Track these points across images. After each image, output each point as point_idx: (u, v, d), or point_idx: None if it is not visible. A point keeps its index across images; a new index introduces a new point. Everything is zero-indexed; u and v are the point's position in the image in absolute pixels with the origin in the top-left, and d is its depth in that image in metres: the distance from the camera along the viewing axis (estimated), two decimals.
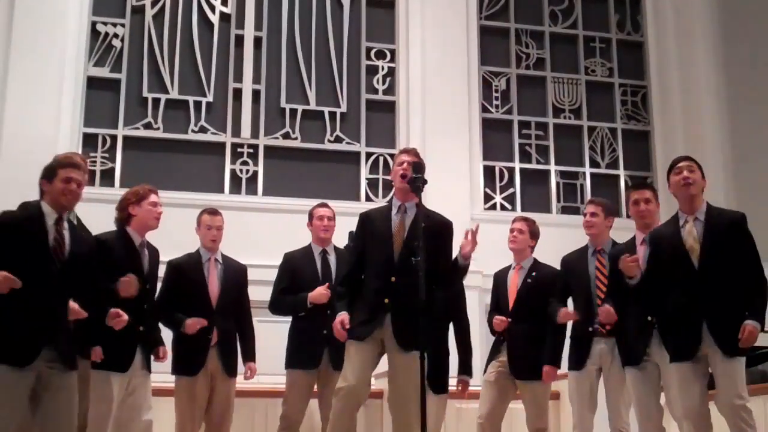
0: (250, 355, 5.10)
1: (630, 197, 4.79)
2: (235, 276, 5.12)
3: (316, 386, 5.09)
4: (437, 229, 4.23)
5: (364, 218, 4.40)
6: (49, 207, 3.87)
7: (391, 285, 4.14)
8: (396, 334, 4.09)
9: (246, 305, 5.16)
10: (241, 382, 5.12)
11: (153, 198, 4.58)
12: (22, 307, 3.68)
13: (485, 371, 5.18)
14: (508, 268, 5.33)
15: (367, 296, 4.18)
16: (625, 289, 4.68)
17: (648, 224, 4.66)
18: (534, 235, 5.31)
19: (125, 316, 4.15)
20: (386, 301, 4.12)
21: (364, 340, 4.11)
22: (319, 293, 4.98)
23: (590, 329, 4.84)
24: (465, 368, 5.09)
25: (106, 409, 4.25)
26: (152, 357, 4.57)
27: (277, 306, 5.22)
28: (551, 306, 4.92)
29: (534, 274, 5.18)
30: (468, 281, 7.40)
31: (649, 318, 4.45)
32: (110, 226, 4.65)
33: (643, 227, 4.67)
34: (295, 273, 5.17)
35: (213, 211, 5.14)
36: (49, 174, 3.91)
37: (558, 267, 5.16)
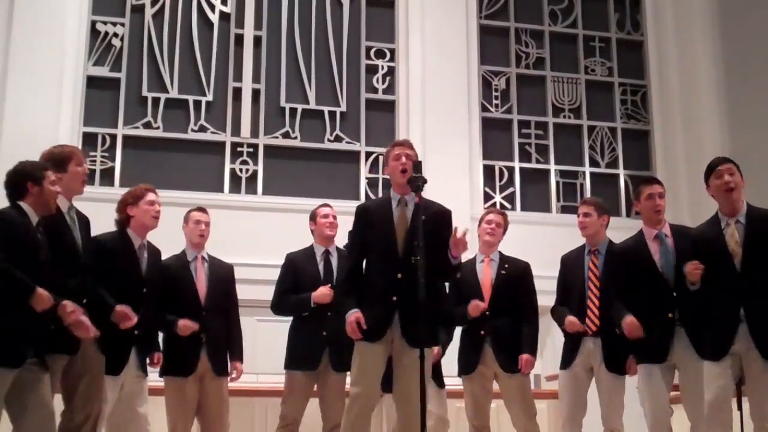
0: (237, 355, 5.06)
1: (642, 192, 4.70)
2: (223, 275, 5.10)
3: (315, 387, 5.09)
4: (437, 219, 4.22)
5: (363, 211, 4.36)
6: (31, 209, 3.87)
7: (397, 282, 4.11)
8: (405, 331, 4.09)
9: (233, 304, 5.14)
10: (240, 382, 5.12)
11: (150, 197, 4.57)
12: (17, 309, 3.70)
13: (469, 371, 5.06)
14: (473, 261, 5.23)
15: (374, 294, 4.15)
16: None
17: (661, 219, 4.64)
18: (506, 229, 5.29)
19: (134, 319, 4.17)
20: (394, 299, 4.10)
21: (375, 342, 4.11)
22: (323, 293, 4.97)
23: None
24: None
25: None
26: (147, 361, 4.59)
27: (279, 306, 5.19)
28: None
29: (506, 266, 5.15)
30: None
31: (670, 315, 4.44)
32: (109, 226, 4.66)
33: (655, 223, 4.64)
34: (297, 273, 5.15)
35: (201, 209, 5.17)
36: (35, 177, 3.90)
37: (557, 267, 5.15)
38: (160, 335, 4.88)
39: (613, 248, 4.87)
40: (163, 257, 4.86)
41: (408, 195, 4.28)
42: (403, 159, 4.26)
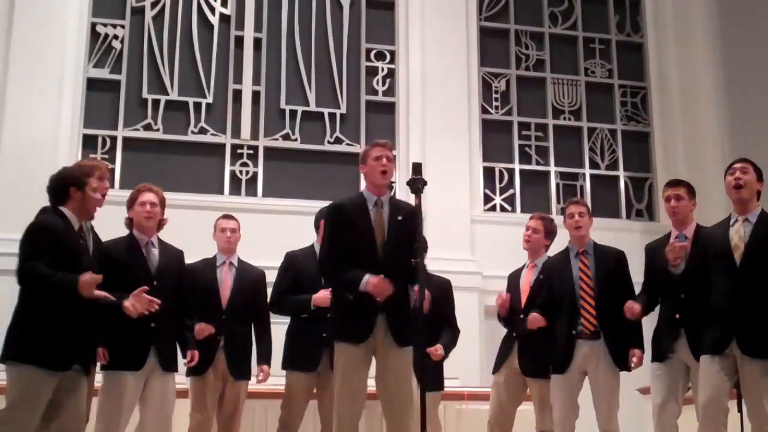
0: (264, 358, 5.14)
1: (663, 194, 4.79)
2: (251, 280, 5.19)
3: (315, 388, 5.08)
4: (409, 219, 4.22)
5: (338, 209, 4.29)
6: (73, 214, 3.99)
7: None
8: (392, 331, 4.08)
9: (263, 309, 5.21)
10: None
11: (143, 197, 4.61)
12: (68, 314, 3.81)
13: (495, 371, 5.11)
14: (522, 268, 5.28)
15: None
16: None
17: (681, 221, 4.66)
18: (549, 233, 5.24)
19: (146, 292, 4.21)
20: (378, 299, 4.07)
21: (358, 344, 4.08)
22: (324, 296, 4.93)
23: (574, 332, 4.81)
24: None
25: (115, 409, 4.25)
26: (185, 361, 4.63)
27: (278, 306, 5.18)
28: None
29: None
30: (468, 282, 7.38)
31: (677, 316, 4.47)
32: (109, 227, 4.68)
33: (678, 224, 4.67)
34: (297, 273, 5.14)
35: (228, 216, 5.32)
36: (79, 183, 4.00)
37: None
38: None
39: (646, 246, 4.88)
40: None
41: (384, 196, 4.27)
42: (384, 161, 4.24)
